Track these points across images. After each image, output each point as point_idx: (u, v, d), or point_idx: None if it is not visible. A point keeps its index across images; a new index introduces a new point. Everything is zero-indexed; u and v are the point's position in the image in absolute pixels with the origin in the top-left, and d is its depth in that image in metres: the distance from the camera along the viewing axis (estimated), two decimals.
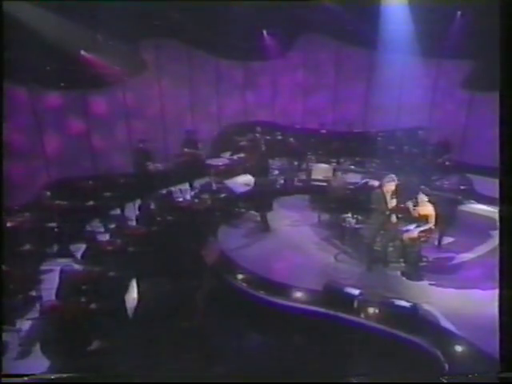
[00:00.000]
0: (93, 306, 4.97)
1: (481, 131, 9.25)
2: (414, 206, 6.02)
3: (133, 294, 5.17)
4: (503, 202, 4.33)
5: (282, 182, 9.40)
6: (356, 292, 5.32)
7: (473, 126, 9.74)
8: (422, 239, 5.91)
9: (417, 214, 5.98)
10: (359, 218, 6.70)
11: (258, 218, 7.65)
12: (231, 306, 5.52)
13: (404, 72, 10.13)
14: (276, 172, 9.83)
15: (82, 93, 8.14)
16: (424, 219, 5.88)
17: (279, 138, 10.64)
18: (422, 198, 5.96)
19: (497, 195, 4.38)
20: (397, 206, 5.98)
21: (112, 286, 5.31)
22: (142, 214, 7.29)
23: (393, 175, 6.06)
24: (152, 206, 7.60)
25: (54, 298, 5.15)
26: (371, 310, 5.20)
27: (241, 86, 10.99)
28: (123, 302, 5.12)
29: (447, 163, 9.13)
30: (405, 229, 6.03)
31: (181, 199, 8.13)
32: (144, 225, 7.01)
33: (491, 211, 7.12)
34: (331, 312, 5.27)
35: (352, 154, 10.40)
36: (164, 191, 8.21)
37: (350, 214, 6.59)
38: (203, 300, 5.40)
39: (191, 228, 7.16)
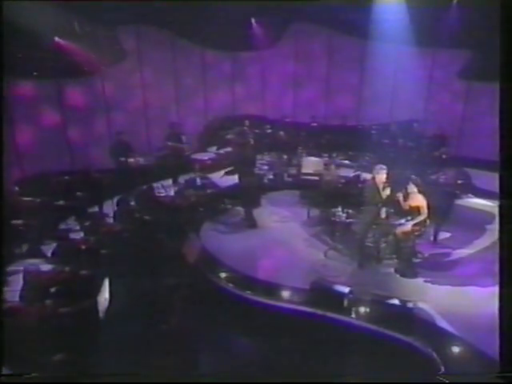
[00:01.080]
0: (62, 309, 4.69)
1: (479, 123, 9.10)
2: (404, 197, 5.83)
3: (105, 295, 4.89)
4: (503, 196, 4.25)
5: (272, 177, 9.25)
6: (345, 290, 5.16)
7: (470, 118, 9.61)
8: (416, 233, 5.74)
9: (407, 207, 5.80)
10: (350, 212, 6.52)
11: (244, 214, 7.42)
12: (213, 307, 5.30)
13: (398, 62, 9.94)
14: (265, 167, 9.60)
15: (56, 82, 7.84)
16: (416, 211, 5.69)
17: (269, 131, 10.44)
18: (412, 188, 5.78)
19: (496, 189, 4.31)
20: (390, 196, 5.78)
21: (83, 287, 5.02)
22: (119, 211, 7.01)
23: (382, 165, 5.86)
24: (132, 202, 7.34)
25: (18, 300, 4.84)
26: (362, 310, 5.05)
27: (228, 77, 10.75)
28: (95, 303, 4.84)
29: (444, 156, 8.97)
30: (397, 223, 5.86)
31: (163, 195, 7.92)
32: (121, 222, 6.75)
33: (490, 205, 7.01)
34: (319, 312, 5.10)
35: (345, 148, 10.15)
36: (145, 187, 7.91)
37: (339, 208, 6.35)
38: (182, 300, 5.13)
39: (173, 225, 6.94)
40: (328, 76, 11.01)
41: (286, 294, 5.43)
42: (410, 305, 4.90)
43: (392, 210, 6.05)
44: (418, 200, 5.70)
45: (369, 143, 9.79)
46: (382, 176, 5.79)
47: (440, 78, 10.00)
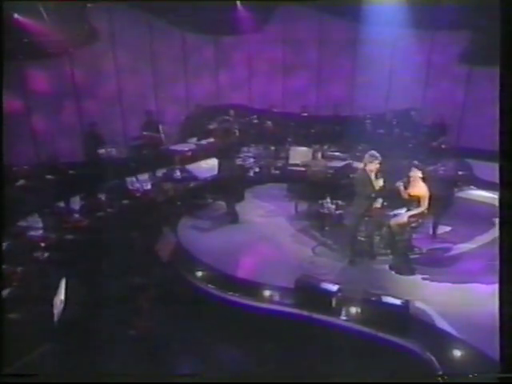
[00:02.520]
0: (11, 315, 4.32)
1: (481, 110, 8.90)
2: (405, 185, 5.56)
3: (60, 296, 4.52)
4: (504, 187, 4.15)
5: (257, 170, 9.06)
6: (334, 288, 4.85)
7: (471, 105, 9.46)
8: (413, 225, 5.45)
9: (407, 195, 5.53)
10: (339, 203, 6.26)
11: (225, 208, 7.15)
12: (188, 309, 5.02)
13: (394, 46, 9.84)
14: (251, 160, 9.40)
15: (17, 65, 7.46)
16: (415, 201, 5.43)
17: (255, 121, 10.17)
18: (416, 173, 5.48)
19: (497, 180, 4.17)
20: (383, 187, 5.50)
21: (36, 289, 4.65)
22: (87, 204, 6.65)
23: (374, 152, 5.57)
24: (102, 196, 7.01)
25: None
26: (353, 310, 4.75)
27: (211, 63, 10.51)
28: (50, 305, 4.47)
29: (443, 146, 8.84)
30: (392, 213, 5.62)
31: (137, 189, 7.66)
32: (89, 217, 6.39)
33: (493, 198, 6.76)
34: (305, 313, 4.83)
35: (337, 139, 9.88)
36: (118, 180, 7.58)
37: (328, 199, 6.05)
38: (151, 302, 4.77)
39: (146, 220, 6.65)
40: (319, 62, 10.81)
41: (269, 294, 5.16)
42: (406, 304, 4.59)
43: (385, 203, 5.74)
44: (420, 188, 5.42)
45: (363, 134, 9.55)
46: (373, 165, 5.52)
47: (439, 62, 9.82)
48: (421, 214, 5.44)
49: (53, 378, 3.74)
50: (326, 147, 9.62)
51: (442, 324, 4.57)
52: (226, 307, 5.10)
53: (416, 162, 5.67)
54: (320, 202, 6.33)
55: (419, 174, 5.48)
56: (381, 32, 9.62)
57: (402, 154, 8.24)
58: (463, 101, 9.68)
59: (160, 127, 8.37)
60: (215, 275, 5.55)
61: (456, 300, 4.97)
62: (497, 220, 6.06)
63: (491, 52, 5.52)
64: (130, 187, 7.58)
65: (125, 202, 7.10)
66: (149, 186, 7.83)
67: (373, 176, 5.55)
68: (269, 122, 9.86)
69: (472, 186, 7.79)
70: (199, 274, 5.60)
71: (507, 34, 4.24)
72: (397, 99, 9.89)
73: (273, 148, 9.46)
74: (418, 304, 4.82)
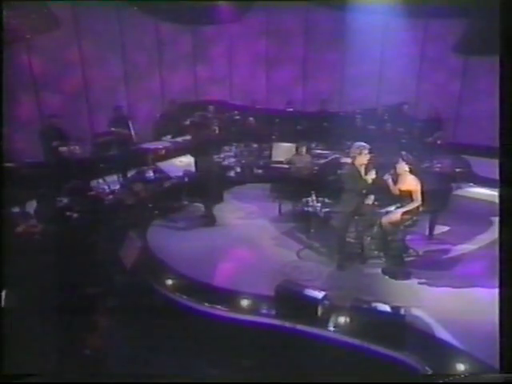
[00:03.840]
0: None
1: (478, 103, 9.02)
2: (393, 179, 5.35)
3: None
4: (504, 185, 3.99)
5: (239, 170, 8.84)
6: (320, 295, 4.55)
7: (468, 98, 9.47)
8: (407, 223, 5.23)
9: (397, 191, 5.32)
10: (326, 201, 6.02)
11: (202, 211, 6.87)
12: (154, 322, 4.69)
13: (385, 37, 9.78)
14: (232, 159, 9.15)
15: None
16: (407, 196, 5.21)
17: (237, 118, 9.96)
18: (402, 167, 5.29)
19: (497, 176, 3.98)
20: (376, 181, 5.25)
21: None
22: (43, 207, 6.22)
23: (360, 143, 5.33)
24: (63, 199, 6.60)
25: None
26: (341, 319, 4.48)
27: (189, 56, 10.26)
28: None
29: (439, 142, 8.68)
30: (383, 211, 5.39)
31: (104, 190, 7.38)
32: (44, 221, 5.97)
33: (493, 195, 6.61)
34: (287, 324, 4.55)
35: (325, 137, 9.67)
36: (81, 180, 7.18)
37: (314, 197, 5.77)
38: (108, 315, 4.37)
39: (112, 224, 6.29)
40: (305, 54, 10.71)
41: (247, 303, 4.86)
42: (401, 312, 4.33)
43: (376, 199, 5.49)
44: (410, 182, 5.23)
45: (353, 130, 9.35)
46: (362, 157, 5.26)
47: (433, 53, 9.79)
48: (415, 211, 5.22)
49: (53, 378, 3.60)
50: (313, 145, 9.48)
51: (441, 334, 4.34)
52: (199, 319, 4.82)
53: (403, 153, 5.39)
54: (304, 200, 6.03)
55: (406, 168, 5.29)
56: (370, 21, 9.59)
57: (395, 150, 8.11)
58: (459, 93, 9.67)
59: (130, 123, 7.99)
60: (187, 283, 5.25)
61: (457, 306, 4.75)
62: (497, 219, 5.99)
63: (488, 41, 5.42)
64: (95, 188, 7.17)
65: (88, 204, 6.68)
66: (117, 187, 7.53)
67: (363, 170, 5.31)
68: (251, 119, 9.62)
69: (471, 183, 7.71)
70: (169, 282, 5.27)
71: (507, 21, 4.05)
72: (388, 93, 9.83)
73: (255, 146, 9.19)
74: (415, 311, 4.60)
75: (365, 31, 9.69)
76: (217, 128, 9.37)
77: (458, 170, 7.89)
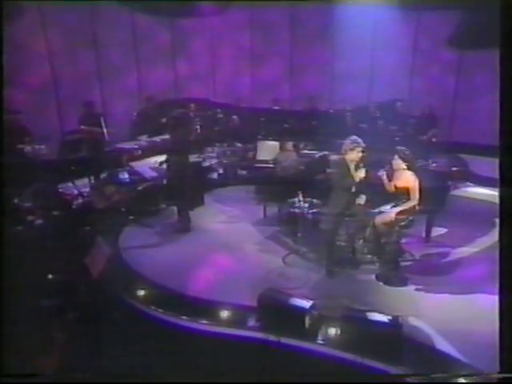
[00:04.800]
0: None
1: (474, 99, 9.11)
2: (389, 176, 5.16)
3: None
4: (504, 185, 3.91)
5: (222, 171, 8.67)
6: (307, 305, 4.28)
7: (464, 94, 9.50)
8: (403, 223, 5.02)
9: (393, 188, 5.12)
10: (314, 201, 5.77)
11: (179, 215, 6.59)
12: (126, 339, 4.41)
13: (376, 30, 9.81)
14: (214, 160, 8.92)
15: None
16: (404, 194, 5.00)
17: (220, 116, 9.82)
18: (398, 163, 5.11)
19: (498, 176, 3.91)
20: (365, 179, 5.03)
21: None
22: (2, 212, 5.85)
23: (355, 137, 5.10)
24: (26, 202, 6.25)
25: None
26: (332, 331, 4.21)
27: (168, 51, 10.12)
28: None
29: (434, 140, 8.72)
30: (377, 210, 5.17)
31: (72, 193, 7.00)
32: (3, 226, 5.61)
33: (493, 195, 6.49)
34: (271, 337, 4.24)
35: (314, 136, 9.52)
36: (47, 182, 6.83)
37: (300, 197, 5.53)
38: (68, 330, 4.02)
39: (79, 230, 5.97)
40: (292, 49, 10.68)
41: (228, 315, 4.60)
42: (398, 322, 4.09)
43: (369, 198, 5.25)
44: (407, 178, 5.02)
45: (343, 129, 9.21)
46: (355, 153, 5.04)
47: (426, 47, 9.81)
48: (411, 210, 5.00)
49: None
50: (302, 145, 9.31)
51: (442, 345, 4.10)
52: (174, 334, 4.53)
53: (399, 148, 5.20)
54: (290, 200, 5.79)
55: (403, 165, 5.12)
56: (360, 14, 9.60)
57: (388, 150, 8.02)
58: (454, 89, 9.68)
59: (102, 120, 7.68)
60: (162, 295, 4.96)
61: (458, 315, 4.53)
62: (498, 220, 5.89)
63: (485, 34, 5.33)
64: (62, 191, 6.84)
65: (53, 208, 6.34)
66: (87, 190, 7.23)
67: (352, 166, 5.08)
68: (235, 117, 9.44)
69: (468, 183, 7.63)
70: (140, 293, 4.96)
71: (508, 10, 3.94)
72: (380, 89, 9.85)
73: (239, 145, 8.97)
74: (412, 321, 4.37)
75: (354, 24, 9.69)
76: (198, 127, 9.30)
77: (454, 169, 7.82)
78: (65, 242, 5.60)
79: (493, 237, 5.89)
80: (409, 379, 3.73)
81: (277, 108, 9.97)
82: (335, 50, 10.29)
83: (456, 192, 7.16)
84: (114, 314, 4.70)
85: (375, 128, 9.06)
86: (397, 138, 8.44)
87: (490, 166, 6.50)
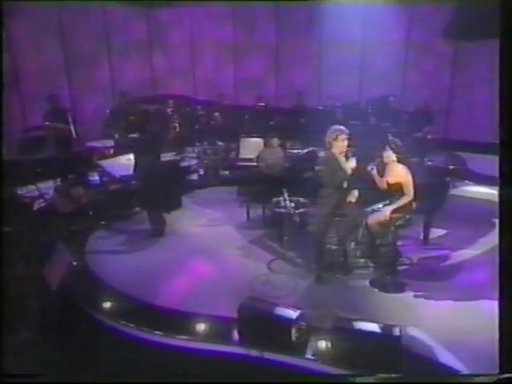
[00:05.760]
0: None
1: (470, 94, 9.14)
2: (379, 171, 4.99)
3: None
4: (504, 183, 3.92)
5: (202, 171, 8.63)
6: (294, 315, 4.03)
7: (459, 88, 9.50)
8: (398, 223, 4.82)
9: (385, 184, 4.94)
10: (301, 200, 5.58)
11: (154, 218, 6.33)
12: (90, 357, 4.11)
13: (366, 22, 9.80)
14: (194, 160, 8.96)
15: None
16: (397, 190, 4.82)
17: (200, 113, 9.80)
18: (389, 156, 4.95)
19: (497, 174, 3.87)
20: (357, 170, 4.81)
21: None
22: None
23: (338, 126, 4.91)
24: None
25: None
26: (322, 345, 4.00)
27: (143, 43, 9.96)
28: None
29: (429, 137, 8.70)
30: (369, 209, 4.99)
31: (33, 194, 6.96)
32: None
33: (494, 194, 6.45)
34: (254, 352, 4.01)
35: (302, 134, 9.38)
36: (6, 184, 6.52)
37: (286, 196, 5.33)
38: (21, 346, 3.68)
39: (40, 236, 5.73)
40: (277, 42, 10.61)
41: (205, 328, 4.36)
42: (395, 332, 3.88)
43: (360, 195, 5.05)
44: (399, 173, 4.85)
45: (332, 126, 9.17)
46: (340, 142, 4.83)
47: (420, 39, 9.80)
48: (407, 207, 4.82)
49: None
50: (289, 144, 9.18)
51: (445, 357, 3.91)
52: (146, 350, 4.26)
53: (390, 139, 5.04)
54: (275, 199, 5.59)
55: (393, 157, 4.95)
56: (350, 4, 9.56)
57: (381, 147, 7.96)
58: (450, 83, 9.67)
59: (69, 116, 7.41)
60: (131, 307, 4.71)
61: (461, 323, 4.35)
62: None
63: (481, 24, 5.31)
64: (21, 194, 6.60)
65: (13, 213, 6.03)
66: (50, 193, 7.07)
67: (342, 159, 4.87)
68: (216, 114, 9.28)
69: (467, 182, 7.61)
70: (106, 305, 4.69)
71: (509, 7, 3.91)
72: (372, 84, 9.84)
73: (221, 144, 8.81)
74: (411, 331, 4.18)
75: (344, 15, 9.62)
76: (177, 125, 9.28)
77: (451, 167, 7.72)
78: (20, 250, 5.32)
79: (495, 238, 5.85)
80: None
81: (262, 105, 9.86)
82: (323, 43, 10.22)
83: (454, 191, 7.08)
84: (76, 330, 4.38)
85: (367, 125, 9.00)
86: (390, 135, 8.38)
87: (489, 163, 6.56)
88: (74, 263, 5.30)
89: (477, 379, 3.55)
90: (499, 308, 3.44)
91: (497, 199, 6.26)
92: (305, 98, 9.89)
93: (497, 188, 6.25)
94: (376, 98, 9.46)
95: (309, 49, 10.42)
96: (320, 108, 9.75)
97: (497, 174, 3.79)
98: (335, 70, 10.10)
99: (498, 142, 3.99)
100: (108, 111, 9.16)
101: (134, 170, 6.09)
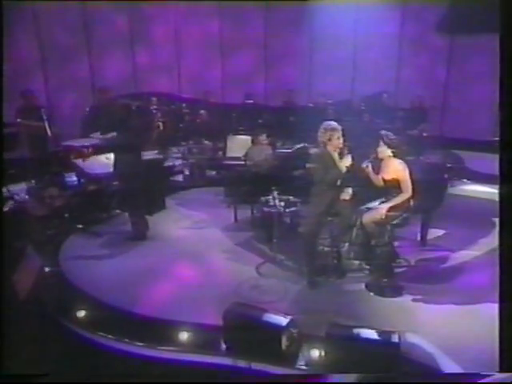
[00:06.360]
0: None
1: (466, 90, 9.08)
2: (374, 167, 4.89)
3: None
4: (504, 181, 3.88)
5: (187, 171, 8.52)
6: (283, 322, 3.89)
7: (455, 84, 9.51)
8: (395, 221, 4.68)
9: (381, 181, 4.83)
10: (291, 199, 5.46)
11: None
12: (65, 370, 3.93)
13: (359, 17, 9.83)
14: (179, 160, 8.84)
15: None
16: (394, 187, 4.70)
17: (185, 111, 9.78)
18: (383, 150, 4.83)
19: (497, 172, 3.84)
20: (352, 167, 4.71)
21: None
22: None
23: (331, 123, 4.79)
24: None
25: None
26: (314, 353, 3.85)
27: (125, 38, 9.83)
28: None
29: (425, 135, 8.71)
30: (364, 207, 4.86)
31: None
32: None
33: (494, 193, 6.41)
34: (241, 363, 3.86)
35: (292, 133, 9.37)
36: None
37: (275, 194, 5.21)
38: None
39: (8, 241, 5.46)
40: (267, 39, 10.60)
41: (188, 337, 4.19)
42: (393, 339, 3.76)
43: (355, 193, 4.97)
44: (395, 168, 4.72)
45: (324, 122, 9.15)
46: (334, 140, 4.71)
47: (413, 33, 9.83)
48: (404, 204, 4.69)
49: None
50: (279, 144, 9.11)
51: (448, 366, 3.78)
52: (124, 363, 4.09)
53: (383, 133, 4.92)
54: (264, 198, 5.49)
55: (389, 151, 4.82)
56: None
57: (375, 144, 7.95)
58: (446, 78, 9.69)
59: (43, 113, 7.20)
60: (108, 316, 4.53)
61: (463, 329, 4.24)
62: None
63: (478, 17, 5.32)
64: None
65: None
66: (24, 196, 6.95)
67: (336, 156, 4.76)
68: (203, 112, 9.19)
69: (465, 180, 7.61)
70: (82, 315, 4.49)
71: None
72: (364, 81, 9.83)
73: (207, 143, 8.71)
74: (411, 338, 4.05)
75: (335, 10, 9.61)
76: (161, 123, 9.18)
77: (449, 165, 7.79)
78: None
79: (496, 238, 5.80)
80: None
81: (250, 102, 9.86)
82: (314, 38, 10.24)
83: (452, 190, 7.09)
84: (48, 343, 4.17)
85: (360, 122, 8.95)
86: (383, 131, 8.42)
87: (487, 162, 6.57)
88: (47, 269, 5.23)
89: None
90: (499, 311, 3.36)
91: (496, 198, 6.27)
92: (295, 96, 9.87)
93: (496, 186, 6.28)
94: (369, 95, 9.49)
95: (299, 44, 10.42)
96: (311, 105, 9.75)
97: (496, 172, 3.76)
98: (326, 66, 10.09)
99: (496, 139, 4.01)
100: (88, 109, 9.02)
101: (114, 169, 5.90)
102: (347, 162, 4.64)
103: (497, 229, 5.87)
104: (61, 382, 3.59)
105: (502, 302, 3.43)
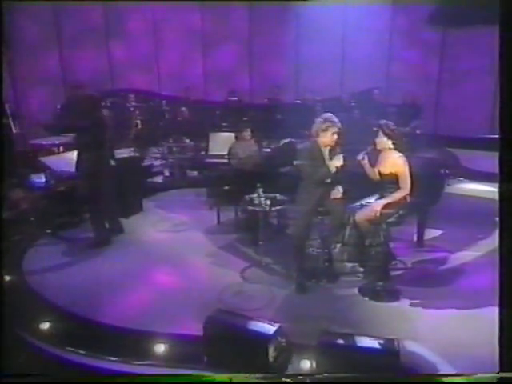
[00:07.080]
0: None
1: (460, 85, 9.01)
2: (370, 160, 4.73)
3: None
4: (504, 180, 3.84)
5: (167, 172, 8.52)
6: (270, 330, 3.72)
7: (448, 79, 9.49)
8: (391, 219, 4.53)
9: (377, 175, 4.67)
10: (277, 197, 5.32)
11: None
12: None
13: (347, 10, 9.83)
14: (158, 160, 8.75)
15: None
16: (392, 181, 4.55)
17: (165, 109, 9.79)
18: (383, 141, 4.66)
19: (495, 170, 3.77)
20: (342, 167, 4.56)
21: None
22: None
23: (329, 114, 4.68)
24: None
25: None
26: (305, 364, 3.70)
27: (101, 31, 9.75)
28: None
29: (418, 132, 8.72)
30: (357, 204, 4.71)
31: None
32: None
33: (493, 192, 6.40)
34: (224, 376, 3.58)
35: (278, 131, 9.22)
36: None
37: (261, 192, 5.08)
38: None
39: None
40: (251, 33, 10.59)
41: (165, 349, 4.01)
42: (391, 347, 3.63)
43: (347, 190, 4.83)
44: (394, 162, 4.57)
45: (312, 122, 9.00)
46: (329, 135, 4.60)
47: (404, 27, 9.87)
48: (401, 202, 4.54)
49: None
50: (265, 143, 9.00)
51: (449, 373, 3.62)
52: (96, 380, 3.82)
53: (383, 122, 4.78)
54: (248, 197, 5.36)
55: (389, 143, 4.65)
56: None
57: (366, 142, 7.91)
58: (438, 74, 9.69)
59: (8, 109, 7.04)
60: (77, 328, 4.33)
61: (465, 334, 4.10)
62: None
63: (472, 9, 5.32)
64: None
65: None
66: None
67: (327, 153, 4.65)
68: (184, 109, 9.12)
69: (462, 179, 7.60)
70: (44, 326, 4.28)
71: None
72: (354, 77, 9.78)
73: (189, 142, 8.58)
74: (409, 345, 3.91)
75: (323, 3, 9.61)
76: (139, 122, 9.15)
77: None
78: None
79: (496, 238, 5.76)
80: None
81: (234, 99, 9.82)
82: (301, 33, 10.24)
83: (449, 189, 6.99)
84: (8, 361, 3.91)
85: (349, 120, 8.89)
86: (375, 129, 8.31)
87: (484, 160, 6.56)
88: (8, 278, 4.99)
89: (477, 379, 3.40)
90: (499, 315, 3.29)
91: (495, 196, 6.23)
92: (281, 92, 9.81)
93: (494, 185, 6.25)
94: (359, 91, 9.42)
95: (285, 38, 10.40)
96: (298, 102, 9.66)
97: (493, 170, 3.72)
98: (314, 61, 10.07)
99: (493, 136, 3.93)
100: (59, 106, 8.81)
101: (76, 167, 5.67)
102: (338, 162, 4.51)
103: (496, 229, 5.88)
104: (60, 382, 3.55)
105: (501, 303, 3.36)
